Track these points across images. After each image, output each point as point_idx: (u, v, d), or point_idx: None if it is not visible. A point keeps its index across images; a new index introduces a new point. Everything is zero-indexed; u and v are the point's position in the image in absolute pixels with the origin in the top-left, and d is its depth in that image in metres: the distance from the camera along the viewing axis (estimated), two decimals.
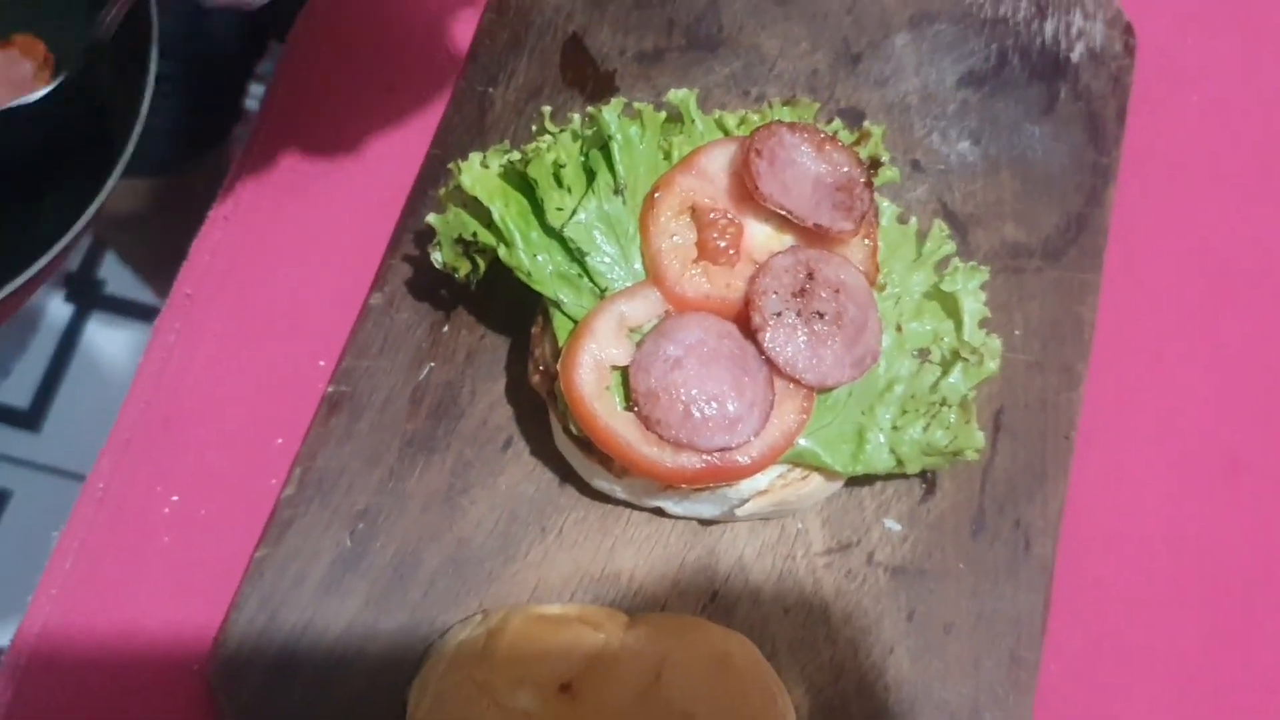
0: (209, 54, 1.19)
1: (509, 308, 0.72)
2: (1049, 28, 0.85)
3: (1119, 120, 0.83)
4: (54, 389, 1.83)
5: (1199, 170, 0.84)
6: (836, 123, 0.72)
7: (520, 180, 0.67)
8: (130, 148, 0.58)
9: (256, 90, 1.24)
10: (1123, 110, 0.83)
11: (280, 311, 0.76)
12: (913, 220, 0.71)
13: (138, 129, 0.58)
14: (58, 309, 1.88)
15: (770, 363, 0.64)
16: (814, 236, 0.66)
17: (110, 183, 0.57)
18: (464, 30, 0.82)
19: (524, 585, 0.68)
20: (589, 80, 0.81)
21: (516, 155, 0.66)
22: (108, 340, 1.86)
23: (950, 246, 0.70)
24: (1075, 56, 0.84)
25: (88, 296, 1.88)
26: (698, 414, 0.62)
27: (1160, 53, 0.87)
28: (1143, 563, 0.74)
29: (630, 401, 0.63)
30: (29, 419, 1.81)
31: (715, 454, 0.63)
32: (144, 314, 1.84)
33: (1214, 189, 0.84)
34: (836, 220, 0.66)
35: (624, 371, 0.64)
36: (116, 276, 1.89)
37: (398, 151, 0.79)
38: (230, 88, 1.25)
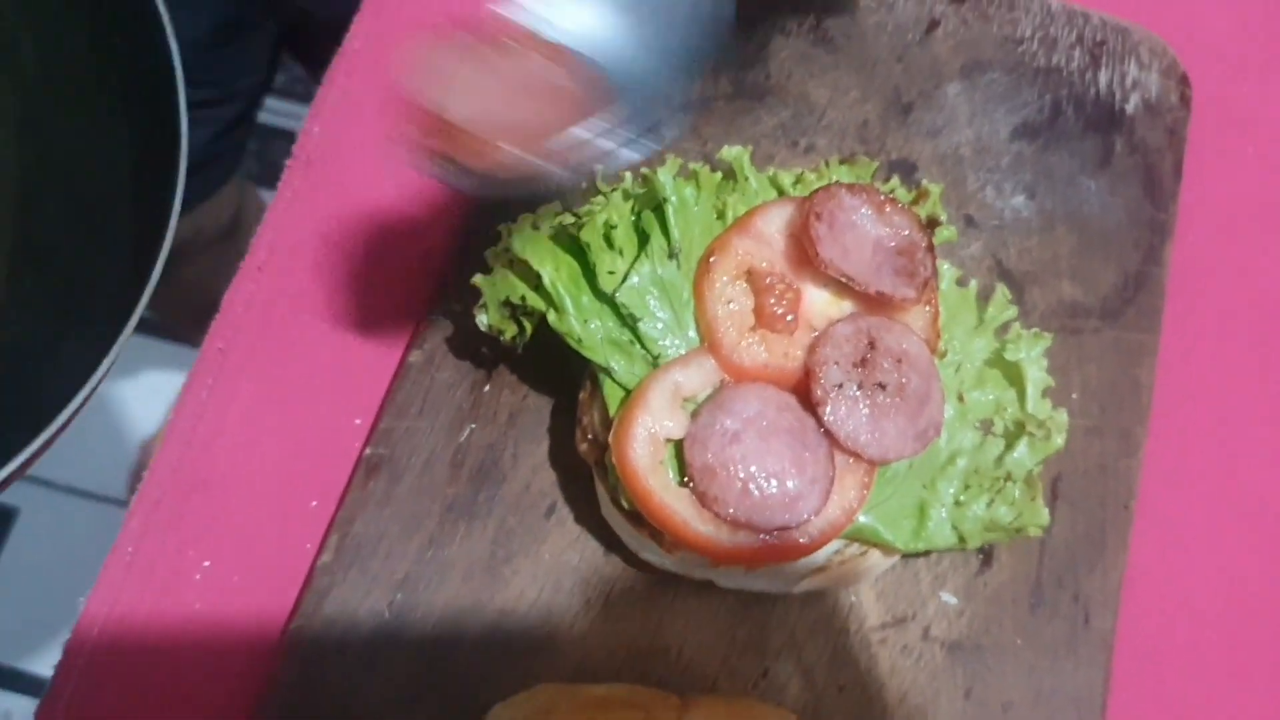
0: (229, 83, 1.17)
1: (552, 366, 0.70)
2: (1103, 78, 0.83)
3: (1175, 174, 0.81)
4: None
5: (1256, 224, 0.82)
6: (894, 181, 0.70)
7: (571, 243, 0.64)
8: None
9: (275, 105, 1.22)
10: (1179, 164, 0.81)
11: (316, 368, 0.74)
12: (973, 283, 0.69)
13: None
14: None
15: (831, 436, 0.61)
16: (874, 303, 0.64)
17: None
18: None
19: (569, 660, 0.66)
20: None
21: (569, 218, 0.64)
22: (121, 357, 1.84)
23: (1012, 311, 0.68)
24: (1130, 108, 0.82)
25: None
26: (756, 491, 0.60)
27: (1215, 103, 0.85)
28: (1204, 636, 0.71)
29: (685, 476, 0.61)
30: None
31: (774, 533, 0.60)
32: (152, 329, 1.81)
33: (1272, 243, 0.81)
34: (899, 287, 0.63)
35: (678, 444, 0.62)
36: None
37: (441, 201, 0.77)
38: (247, 113, 1.23)
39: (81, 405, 0.56)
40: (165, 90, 0.62)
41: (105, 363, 0.57)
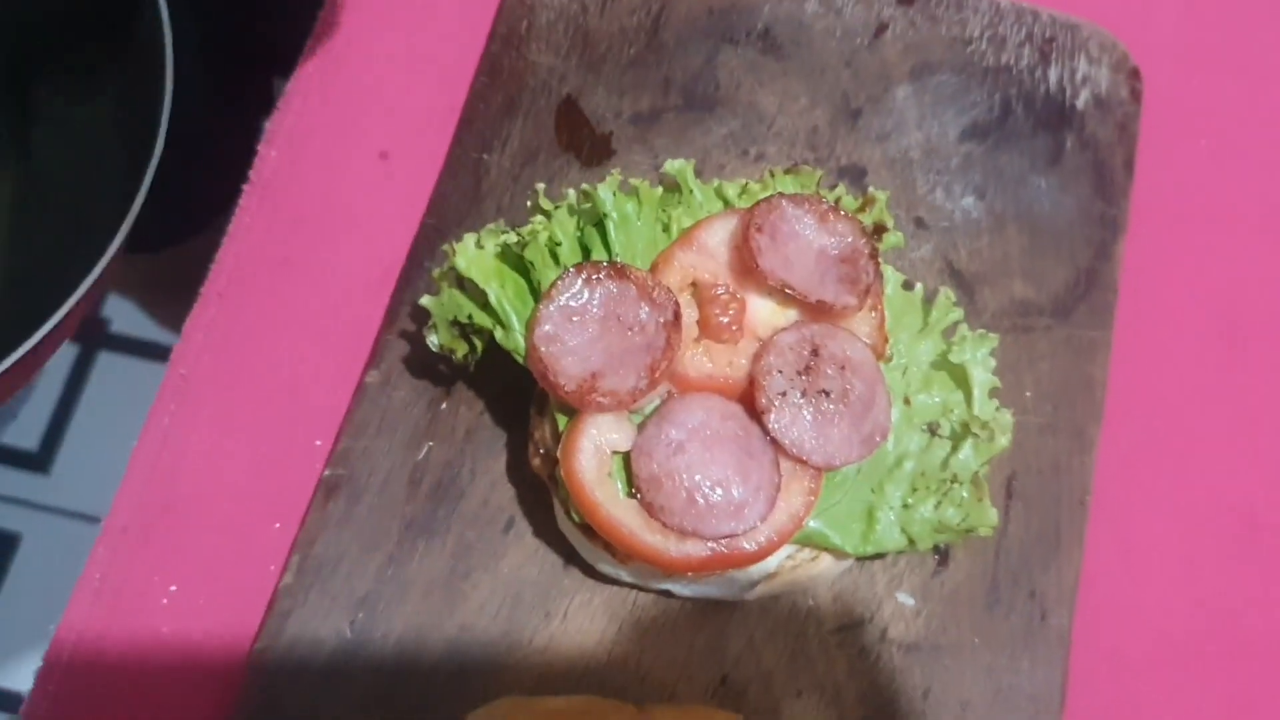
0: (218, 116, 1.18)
1: (509, 382, 0.71)
2: (1053, 75, 0.83)
3: (1127, 170, 0.81)
4: (63, 430, 1.82)
5: (1210, 220, 0.82)
6: (840, 189, 0.71)
7: (516, 261, 0.65)
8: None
9: None
10: (1130, 159, 0.81)
11: (277, 390, 0.75)
12: (918, 287, 0.70)
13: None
14: (64, 349, 1.87)
15: (776, 444, 0.62)
16: (818, 311, 0.64)
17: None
18: (457, 95, 0.81)
19: (530, 673, 0.67)
20: (585, 143, 0.79)
21: (513, 237, 0.65)
22: (115, 379, 1.85)
23: (957, 314, 0.68)
24: (1081, 104, 0.83)
25: (94, 336, 1.87)
26: (701, 500, 0.61)
27: (1167, 96, 0.85)
28: (1161, 631, 0.72)
29: (633, 487, 0.62)
30: (39, 461, 1.80)
31: (721, 541, 0.61)
32: (151, 352, 1.83)
33: (1226, 239, 0.82)
34: (841, 295, 0.64)
35: (625, 456, 0.62)
36: (122, 315, 1.88)
37: (392, 222, 0.78)
38: (241, 147, 1.24)
39: (77, 303, 0.61)
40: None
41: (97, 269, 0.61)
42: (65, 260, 0.67)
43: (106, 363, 1.86)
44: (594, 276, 0.63)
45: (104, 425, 1.80)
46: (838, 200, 0.69)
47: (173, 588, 0.70)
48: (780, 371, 0.62)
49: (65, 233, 0.76)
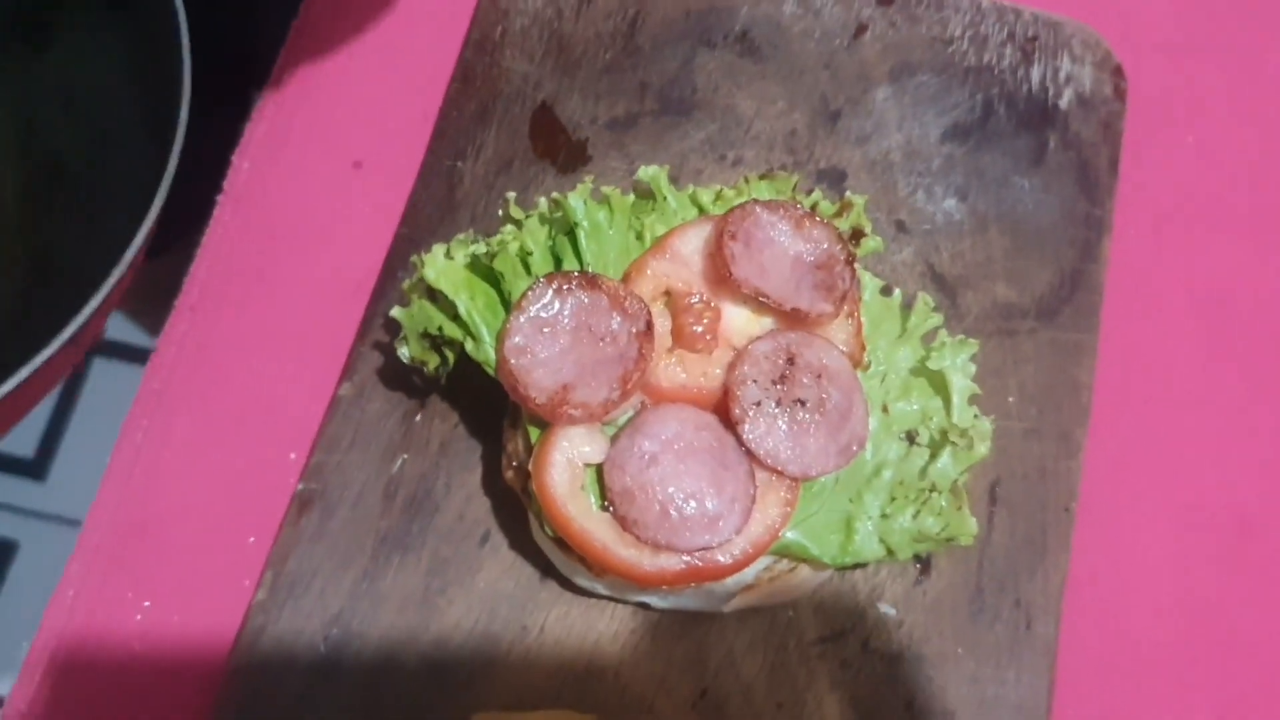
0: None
1: (484, 394, 0.70)
2: (1035, 74, 0.82)
3: (1111, 169, 0.80)
4: (58, 437, 1.81)
5: (1197, 218, 0.81)
6: (816, 194, 0.70)
7: (487, 270, 0.64)
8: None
9: None
10: (1115, 158, 0.80)
11: (251, 404, 0.74)
12: (897, 292, 0.68)
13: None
14: None
15: (751, 454, 0.61)
16: (793, 319, 0.63)
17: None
18: (432, 102, 0.80)
19: (506, 687, 0.66)
20: (560, 150, 0.78)
21: (483, 247, 0.64)
22: (110, 386, 1.84)
23: (936, 319, 0.67)
24: (1064, 103, 0.81)
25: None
26: (675, 513, 0.60)
27: (1152, 95, 0.84)
28: (1150, 638, 0.71)
29: (606, 500, 0.61)
30: (34, 468, 1.80)
31: (696, 554, 0.60)
32: (146, 359, 1.82)
33: (1213, 238, 0.81)
34: (816, 302, 0.63)
35: (598, 469, 0.61)
36: (116, 321, 1.87)
37: (366, 232, 0.77)
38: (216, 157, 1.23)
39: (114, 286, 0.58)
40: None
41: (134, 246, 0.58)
42: (83, 262, 0.65)
43: (102, 369, 1.85)
44: (565, 287, 0.62)
45: (100, 432, 1.79)
46: (814, 206, 0.68)
47: (146, 604, 0.69)
48: (755, 381, 0.61)
49: (80, 235, 0.73)
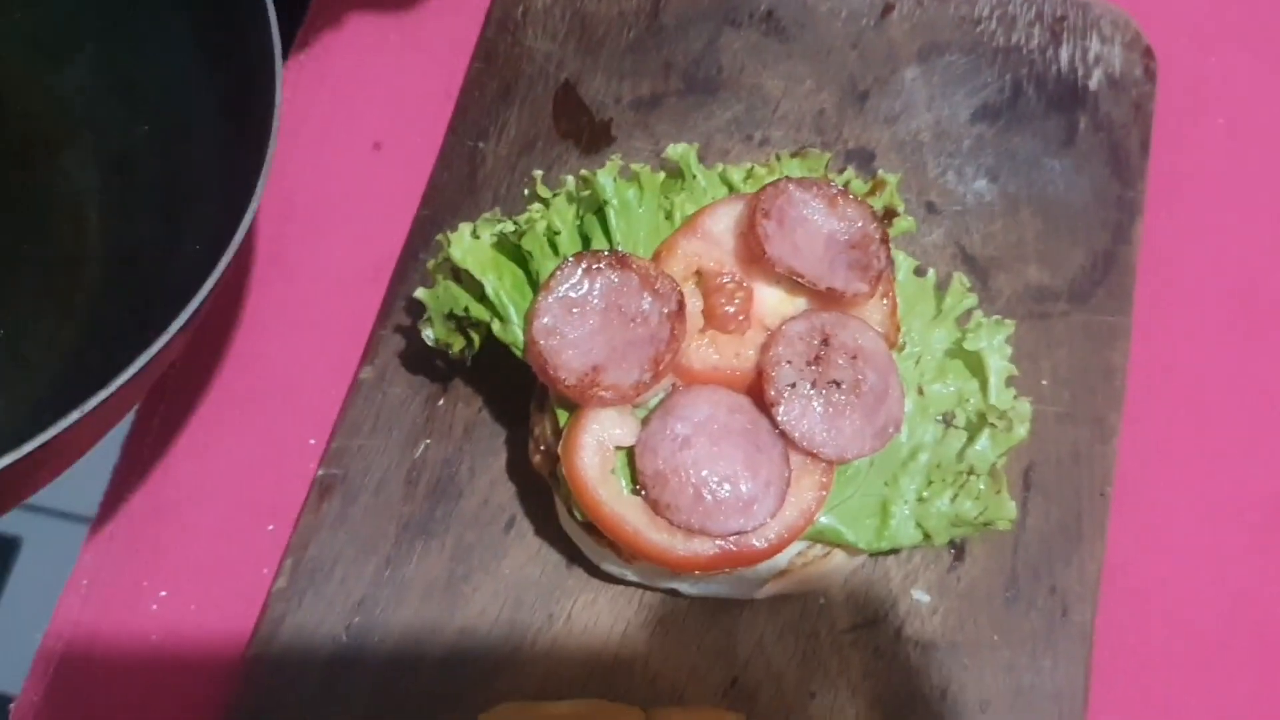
0: None
1: (508, 376, 0.68)
2: (1064, 55, 0.81)
3: (1143, 150, 0.79)
4: None
5: (1229, 199, 0.80)
6: (849, 172, 0.68)
7: (514, 250, 0.63)
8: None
9: None
10: (1146, 139, 0.79)
11: (269, 388, 0.72)
12: (930, 272, 0.67)
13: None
14: None
15: (785, 437, 0.60)
16: (827, 299, 0.62)
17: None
18: (452, 82, 0.79)
19: (532, 677, 0.65)
20: (584, 130, 0.77)
21: (510, 226, 0.63)
22: None
23: (971, 300, 0.66)
24: (1094, 84, 0.80)
25: None
26: (709, 497, 0.58)
27: (1182, 75, 0.83)
28: (1188, 625, 0.69)
29: (637, 484, 0.59)
30: None
31: (730, 538, 0.59)
32: None
33: (1246, 219, 0.79)
34: (851, 282, 0.62)
35: (629, 452, 0.60)
36: None
37: (386, 213, 0.76)
38: None
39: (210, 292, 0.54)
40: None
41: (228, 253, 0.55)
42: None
43: None
44: (594, 266, 0.60)
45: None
46: (847, 184, 0.67)
47: (163, 593, 0.68)
48: (789, 362, 0.60)
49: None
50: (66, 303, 0.67)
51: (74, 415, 0.49)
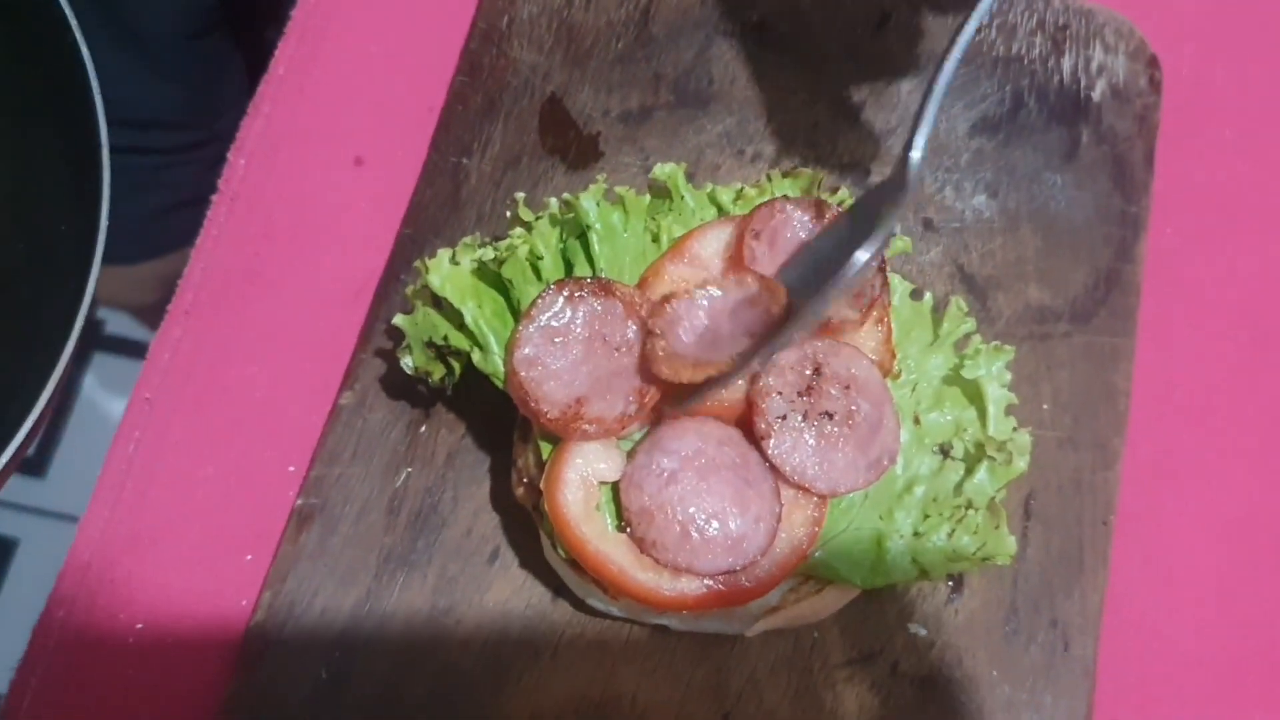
0: (211, 124, 1.14)
1: (493, 400, 0.66)
2: (1067, 65, 0.78)
3: (1147, 164, 0.76)
4: (58, 433, 1.79)
5: (1237, 214, 0.78)
6: (843, 192, 0.66)
7: (495, 276, 0.61)
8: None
9: None
10: (1150, 152, 0.77)
11: (247, 413, 0.70)
12: (927, 296, 0.65)
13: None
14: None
15: (776, 471, 0.58)
16: (820, 326, 0.60)
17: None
18: (436, 96, 0.76)
19: (518, 714, 0.63)
20: (571, 145, 0.75)
21: (490, 253, 0.60)
22: (110, 382, 1.82)
23: (969, 325, 0.64)
24: (1097, 95, 0.78)
25: (87, 337, 1.83)
26: (696, 534, 0.56)
27: (1188, 86, 0.80)
28: (1193, 658, 0.68)
29: (622, 521, 0.57)
30: (34, 464, 1.77)
31: (718, 578, 0.57)
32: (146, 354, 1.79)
33: (1254, 235, 0.77)
34: (840, 309, 0.59)
35: (615, 487, 0.58)
36: (115, 316, 1.84)
37: (367, 232, 0.74)
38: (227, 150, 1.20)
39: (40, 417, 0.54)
40: (83, 109, 0.60)
41: (55, 376, 0.56)
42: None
43: (101, 364, 1.82)
44: (577, 294, 0.58)
45: (100, 429, 1.77)
46: (840, 204, 0.65)
47: (139, 625, 0.66)
48: (780, 393, 0.58)
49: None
50: None
51: None
